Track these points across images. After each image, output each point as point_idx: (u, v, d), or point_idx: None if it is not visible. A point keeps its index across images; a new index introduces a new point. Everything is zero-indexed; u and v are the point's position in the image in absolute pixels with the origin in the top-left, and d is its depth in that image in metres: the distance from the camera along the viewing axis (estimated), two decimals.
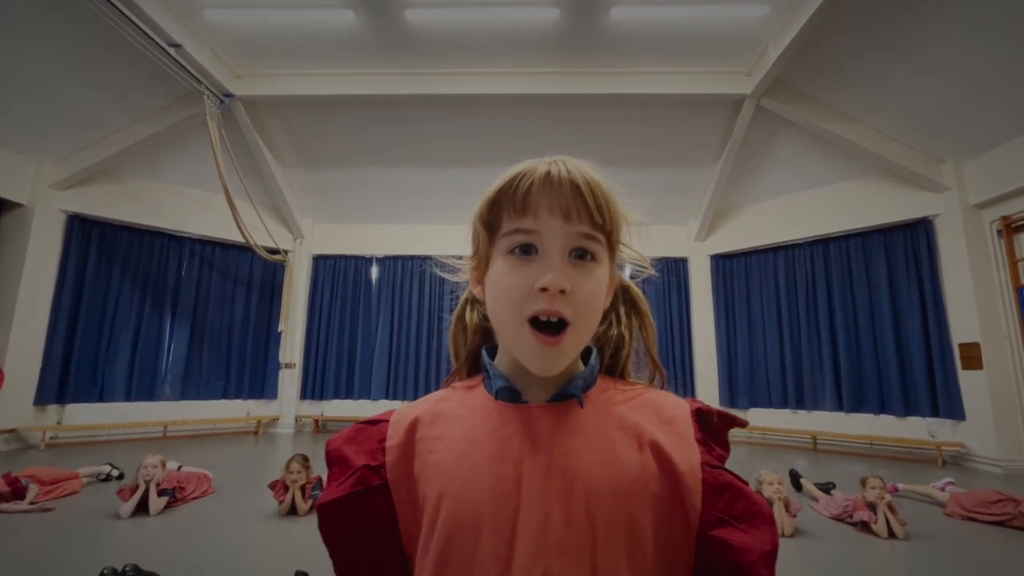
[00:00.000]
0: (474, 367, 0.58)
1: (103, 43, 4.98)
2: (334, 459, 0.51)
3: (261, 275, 7.66)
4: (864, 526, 2.94)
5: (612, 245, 0.50)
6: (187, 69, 5.33)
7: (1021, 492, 3.38)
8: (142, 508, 3.16)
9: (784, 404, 6.71)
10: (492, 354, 0.53)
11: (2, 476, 3.42)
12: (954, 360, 5.43)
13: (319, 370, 7.71)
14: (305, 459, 3.33)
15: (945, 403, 5.43)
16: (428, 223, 7.96)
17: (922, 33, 4.73)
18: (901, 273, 5.96)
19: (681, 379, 7.55)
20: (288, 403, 7.51)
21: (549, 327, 0.44)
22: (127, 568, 2.03)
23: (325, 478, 0.54)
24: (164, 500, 3.20)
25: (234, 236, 6.70)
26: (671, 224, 7.88)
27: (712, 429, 0.50)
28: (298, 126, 6.76)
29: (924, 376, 5.63)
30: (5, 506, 3.20)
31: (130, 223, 6.53)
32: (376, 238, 8.03)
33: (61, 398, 5.90)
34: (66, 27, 4.78)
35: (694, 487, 0.44)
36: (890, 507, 2.87)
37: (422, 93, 6.04)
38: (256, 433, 7.12)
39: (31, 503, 3.28)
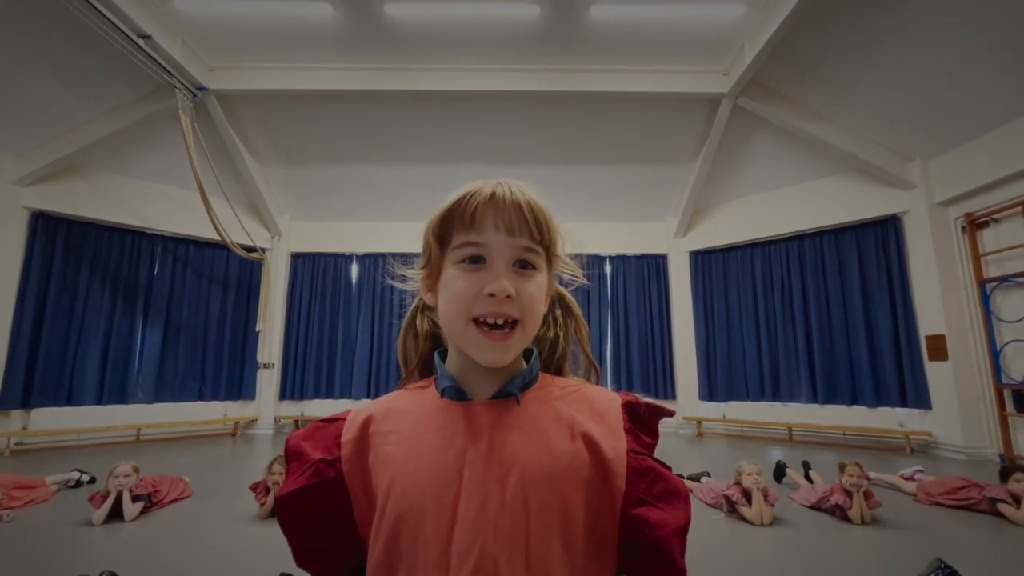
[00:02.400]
0: (426, 370, 0.63)
1: (68, 34, 4.79)
2: (293, 454, 0.55)
3: (238, 273, 7.49)
4: (839, 510, 3.03)
5: (550, 257, 0.56)
6: (157, 61, 5.16)
7: (984, 478, 3.53)
8: (116, 514, 3.06)
9: (761, 396, 6.87)
10: (444, 357, 0.58)
11: None
12: (921, 352, 5.64)
13: (299, 370, 7.58)
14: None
15: (913, 393, 5.63)
16: (408, 220, 7.88)
17: (889, 34, 4.87)
18: (872, 269, 6.15)
19: (661, 373, 7.66)
20: (267, 404, 7.38)
21: (497, 327, 0.50)
22: (103, 575, 1.97)
23: None
24: (140, 506, 3.11)
25: (208, 234, 6.54)
26: (651, 221, 7.97)
27: (641, 419, 0.54)
28: (274, 121, 6.62)
29: (893, 368, 5.83)
30: None
31: (99, 220, 6.31)
32: (356, 236, 7.93)
33: (26, 402, 5.67)
34: (29, 16, 4.58)
35: (619, 471, 0.49)
36: (866, 494, 2.96)
37: (401, 88, 5.97)
38: (234, 435, 6.98)
39: None
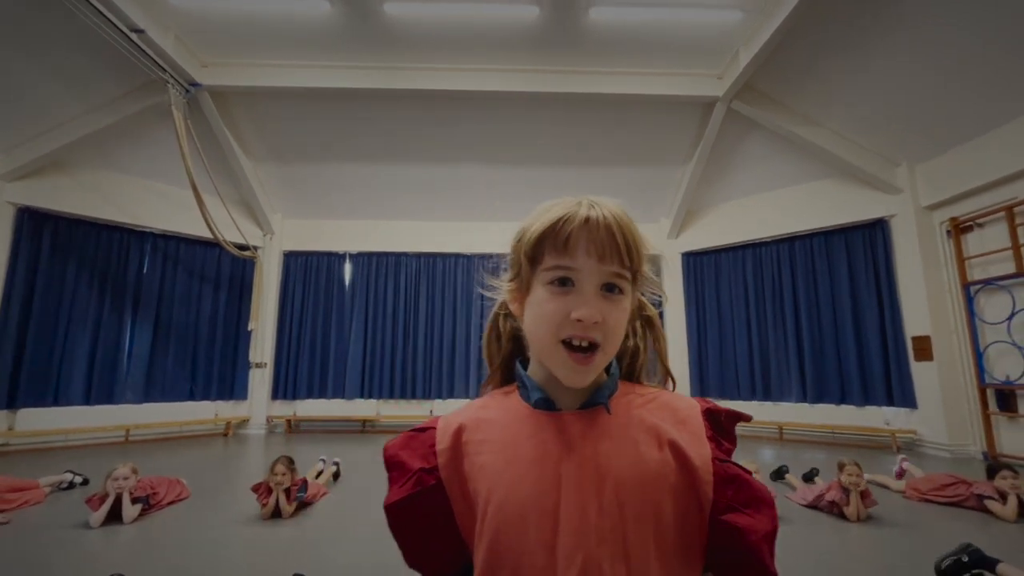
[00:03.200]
0: (506, 374, 0.66)
1: (58, 27, 4.69)
2: (393, 464, 0.58)
3: (229, 272, 7.39)
4: (836, 508, 3.11)
5: (636, 278, 0.57)
6: (150, 56, 5.08)
7: (969, 475, 3.64)
8: (113, 516, 3.02)
9: (752, 396, 6.98)
10: (524, 366, 0.60)
11: None
12: (907, 352, 5.78)
13: (291, 369, 7.52)
14: (290, 461, 3.25)
15: (899, 393, 5.78)
16: (403, 219, 7.87)
17: (879, 41, 4.98)
18: (860, 271, 6.28)
19: (654, 373, 7.72)
20: (259, 404, 7.30)
21: (581, 349, 0.52)
22: None
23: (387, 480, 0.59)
24: (139, 508, 3.07)
25: (199, 231, 6.45)
26: (643, 222, 7.91)
27: (721, 426, 0.57)
28: (268, 118, 6.55)
29: (880, 368, 5.97)
30: None
31: (86, 217, 6.19)
32: (349, 235, 7.88)
33: (11, 403, 5.55)
34: (14, 7, 4.48)
35: (707, 479, 0.51)
36: (863, 493, 3.04)
37: (398, 88, 5.95)
38: (226, 435, 6.90)
39: None
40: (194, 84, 5.71)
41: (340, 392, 7.51)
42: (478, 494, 0.53)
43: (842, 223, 6.43)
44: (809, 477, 3.83)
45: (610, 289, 0.53)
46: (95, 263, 6.30)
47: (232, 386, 7.24)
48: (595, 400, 0.55)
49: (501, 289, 0.63)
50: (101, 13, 4.40)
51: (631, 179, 7.50)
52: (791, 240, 6.95)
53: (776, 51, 5.27)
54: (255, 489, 3.19)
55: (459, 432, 0.57)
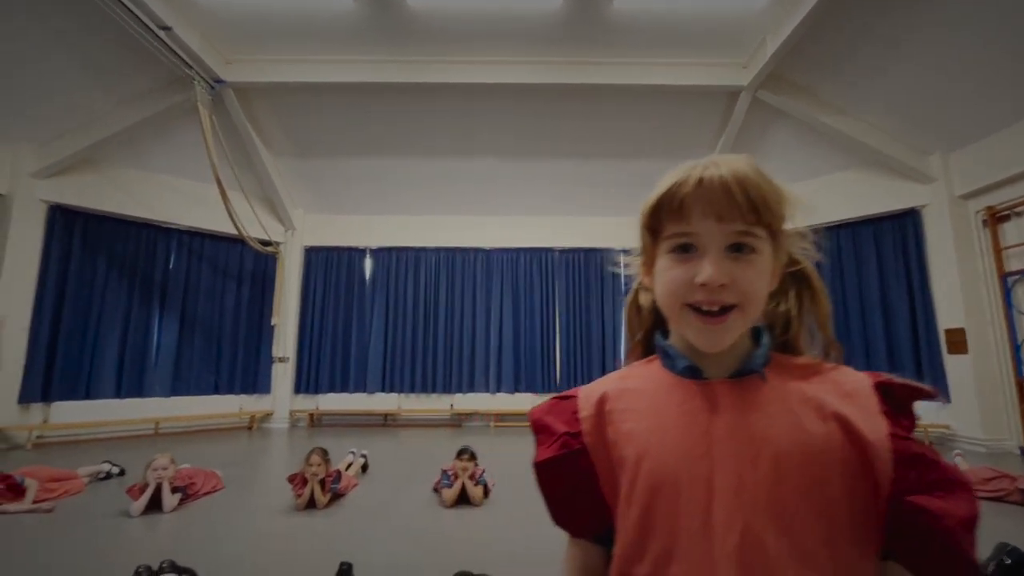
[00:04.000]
0: (647, 347, 0.64)
1: (88, 25, 4.76)
2: (539, 427, 0.59)
3: (252, 267, 7.48)
4: None
5: (774, 232, 0.54)
6: (177, 53, 5.13)
7: (1006, 470, 3.54)
8: (153, 506, 3.07)
9: None
10: (665, 337, 0.59)
11: None
12: (940, 345, 5.65)
13: (313, 364, 7.59)
14: (325, 453, 3.28)
15: (931, 386, 5.63)
16: (422, 214, 7.88)
17: (911, 27, 4.84)
18: (890, 263, 6.14)
19: (811, 345, 7.67)
20: (282, 398, 7.39)
21: (712, 313, 0.50)
22: (164, 564, 1.98)
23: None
24: (178, 497, 3.12)
25: (223, 227, 6.53)
26: None
27: (896, 401, 0.52)
28: (290, 114, 6.59)
29: (911, 361, 5.84)
30: (6, 506, 3.08)
31: (115, 214, 6.30)
32: (369, 229, 7.92)
33: (46, 396, 5.68)
34: (48, 8, 4.55)
35: (883, 456, 0.47)
36: None
37: (420, 81, 5.94)
38: (250, 428, 7.00)
39: (33, 503, 3.16)
40: (219, 81, 5.76)
41: (361, 386, 7.57)
42: (624, 460, 0.53)
43: (871, 214, 6.30)
44: None
45: (738, 249, 0.51)
46: (124, 259, 6.42)
47: (255, 380, 7.33)
48: (748, 368, 0.53)
49: (634, 265, 0.62)
50: (130, 11, 4.44)
51: (650, 172, 7.27)
52: (815, 232, 6.79)
53: (803, 38, 5.16)
54: (291, 480, 3.22)
55: (602, 401, 0.57)
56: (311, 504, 3.15)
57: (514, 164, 7.23)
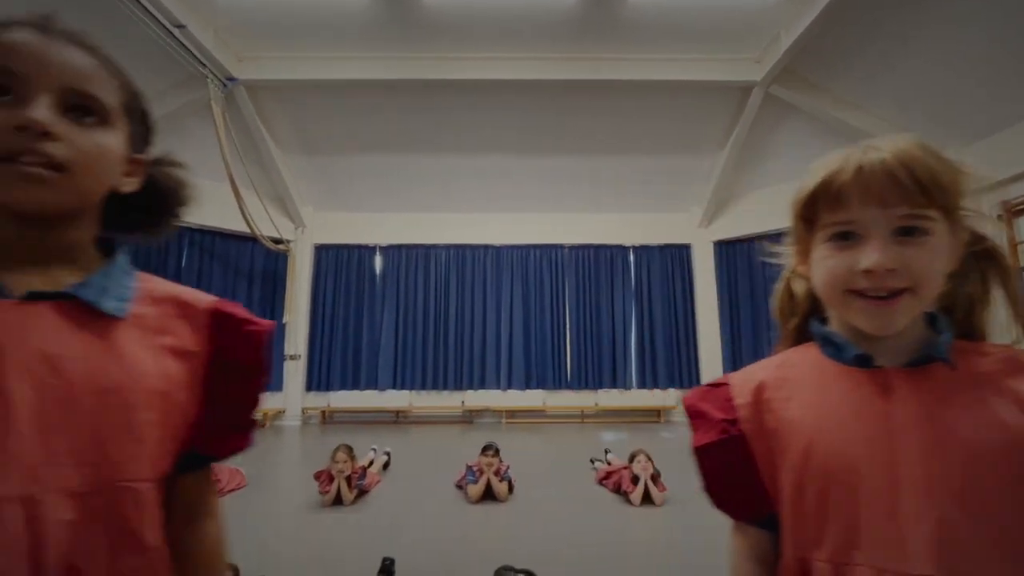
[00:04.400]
0: (799, 335, 0.63)
1: (98, 21, 4.74)
2: (695, 413, 0.60)
3: (263, 266, 7.49)
4: None
5: (949, 211, 0.50)
6: (191, 51, 5.12)
7: None
8: None
9: None
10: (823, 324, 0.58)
11: None
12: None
13: (324, 361, 7.61)
14: (350, 449, 3.30)
15: None
16: (433, 211, 7.88)
17: (923, 22, 4.82)
18: None
19: (686, 364, 7.69)
20: (294, 395, 7.41)
21: (880, 297, 0.48)
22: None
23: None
24: None
25: (234, 226, 6.52)
26: (674, 211, 7.95)
27: None
28: (300, 111, 6.58)
29: None
30: None
31: None
32: (380, 227, 7.92)
33: None
34: (62, 9, 4.53)
35: None
36: None
37: (432, 78, 5.93)
38: (263, 426, 7.02)
39: None
40: (231, 79, 5.75)
41: (373, 383, 7.58)
42: (788, 449, 0.52)
43: None
44: None
45: (908, 232, 0.48)
46: (135, 258, 6.37)
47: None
48: (927, 355, 0.50)
49: (785, 254, 0.63)
50: (146, 9, 4.43)
51: (660, 168, 7.41)
52: None
53: (818, 33, 5.14)
54: (317, 476, 3.24)
55: (760, 389, 0.57)
56: (337, 501, 3.17)
57: (524, 160, 7.22)
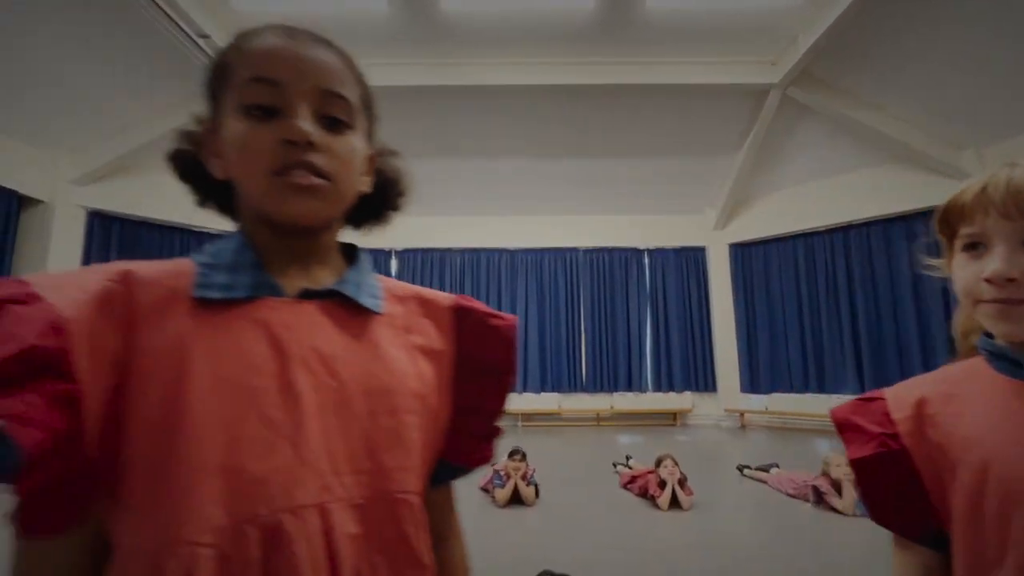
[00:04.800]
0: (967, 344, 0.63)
1: (126, 33, 4.85)
2: (848, 426, 0.59)
3: None
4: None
5: None
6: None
7: None
8: None
9: (805, 388, 6.86)
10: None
11: None
12: None
13: None
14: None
15: None
16: (448, 215, 7.92)
17: (945, 21, 4.80)
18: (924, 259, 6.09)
19: (701, 365, 7.67)
20: None
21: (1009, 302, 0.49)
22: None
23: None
24: None
25: None
26: (688, 213, 7.95)
27: None
28: None
29: (946, 359, 5.77)
30: None
31: (149, 219, 6.41)
32: (395, 231, 7.84)
33: None
34: (87, 17, 4.62)
35: None
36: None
37: (449, 84, 5.98)
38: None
39: None
40: None
41: None
42: (959, 466, 0.52)
43: (902, 210, 6.25)
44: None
45: None
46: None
47: None
48: None
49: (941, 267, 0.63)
50: (172, 20, 4.52)
51: (674, 170, 7.42)
52: (846, 229, 6.79)
53: (837, 35, 5.13)
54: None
55: (922, 403, 0.56)
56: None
57: (539, 164, 7.25)
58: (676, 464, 3.32)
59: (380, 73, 5.94)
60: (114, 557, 0.36)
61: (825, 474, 3.18)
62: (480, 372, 0.51)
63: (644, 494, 3.40)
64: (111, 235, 6.14)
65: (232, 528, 0.35)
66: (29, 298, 0.34)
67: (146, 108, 5.81)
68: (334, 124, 0.44)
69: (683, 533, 2.88)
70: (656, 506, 3.21)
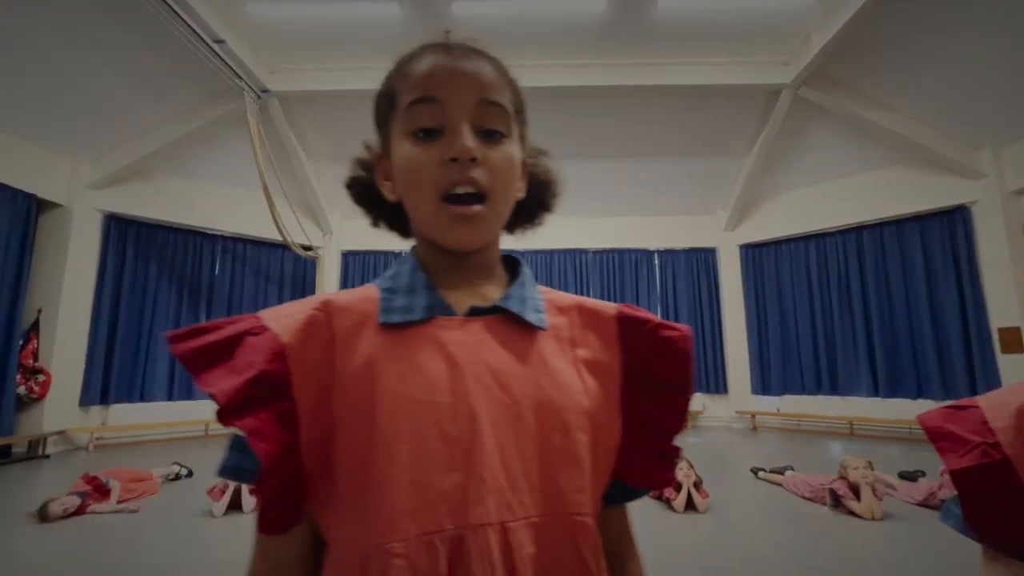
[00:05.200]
0: None
1: (141, 39, 4.91)
2: (941, 434, 0.57)
3: (292, 271, 7.64)
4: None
5: None
6: (228, 65, 5.27)
7: None
8: (233, 506, 3.17)
9: (818, 390, 6.81)
10: None
11: (81, 476, 3.42)
12: (992, 344, 5.53)
13: None
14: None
15: (984, 387, 5.53)
16: None
17: (961, 19, 4.76)
18: (937, 260, 6.04)
19: (712, 367, 7.63)
20: None
21: None
22: None
23: None
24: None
25: (265, 233, 6.68)
26: (698, 214, 7.91)
27: None
28: (327, 119, 6.70)
29: (963, 361, 5.73)
30: (94, 506, 3.20)
31: (164, 222, 6.48)
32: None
33: (104, 399, 5.88)
34: (105, 23, 4.69)
35: None
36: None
37: None
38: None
39: (118, 502, 3.28)
40: (265, 91, 5.89)
41: None
42: None
43: (916, 211, 6.19)
44: (913, 478, 3.71)
45: None
46: (173, 266, 6.61)
47: None
48: None
49: None
50: (188, 26, 4.58)
51: (685, 171, 7.39)
52: (858, 229, 6.73)
53: (850, 34, 5.10)
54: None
55: (1021, 412, 0.54)
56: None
57: None
58: (691, 466, 3.31)
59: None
60: (328, 551, 0.41)
61: (842, 477, 3.16)
62: (651, 387, 0.48)
63: (659, 496, 3.39)
64: (127, 237, 6.22)
65: (421, 540, 0.37)
66: (260, 330, 0.39)
67: (162, 113, 5.89)
68: (492, 135, 0.46)
69: (699, 535, 2.87)
70: (672, 508, 3.20)
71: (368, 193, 0.54)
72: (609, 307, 0.51)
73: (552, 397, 0.43)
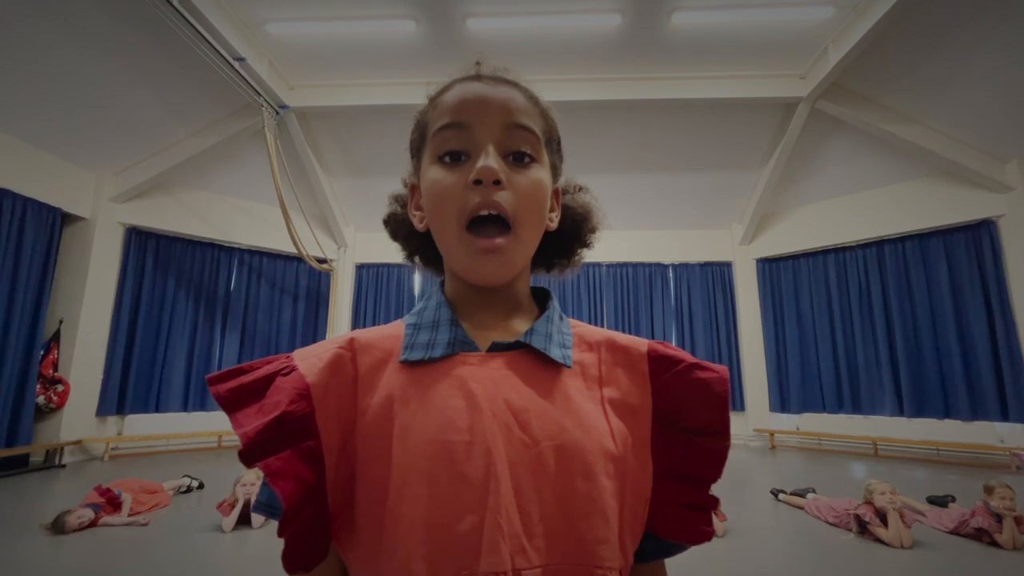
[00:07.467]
0: None
1: (167, 57, 5.05)
2: None
3: (307, 284, 7.70)
4: (984, 534, 2.87)
5: None
6: (248, 82, 5.38)
7: None
8: (243, 521, 3.15)
9: (839, 409, 6.61)
10: None
11: (94, 488, 3.44)
12: (1022, 361, 5.33)
13: None
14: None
15: (1016, 406, 5.32)
16: None
17: (980, 33, 4.68)
18: (963, 275, 5.86)
19: (729, 384, 7.47)
20: None
21: None
22: None
23: None
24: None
25: (281, 246, 6.76)
26: (714, 228, 7.83)
27: None
28: (344, 134, 6.80)
29: (991, 379, 5.52)
30: (106, 518, 3.21)
31: (183, 235, 6.60)
32: None
33: (121, 409, 5.94)
34: (132, 42, 4.82)
35: None
36: (1018, 519, 2.80)
37: None
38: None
39: (128, 515, 3.28)
40: (283, 107, 6.00)
41: None
42: None
43: (939, 225, 6.04)
44: (943, 503, 3.55)
45: None
46: (191, 278, 6.71)
47: None
48: None
49: None
50: (210, 44, 4.69)
51: (700, 185, 7.33)
52: (879, 244, 6.58)
53: (869, 47, 5.04)
54: None
55: None
56: None
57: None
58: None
59: (407, 93, 6.08)
60: None
61: (868, 502, 3.03)
62: (684, 431, 0.44)
63: None
64: (147, 250, 6.33)
65: None
66: (290, 369, 0.40)
67: (185, 129, 6.02)
68: (519, 159, 0.45)
69: (717, 560, 2.76)
70: None
71: (403, 228, 0.55)
72: (641, 344, 0.47)
73: (575, 439, 0.40)
